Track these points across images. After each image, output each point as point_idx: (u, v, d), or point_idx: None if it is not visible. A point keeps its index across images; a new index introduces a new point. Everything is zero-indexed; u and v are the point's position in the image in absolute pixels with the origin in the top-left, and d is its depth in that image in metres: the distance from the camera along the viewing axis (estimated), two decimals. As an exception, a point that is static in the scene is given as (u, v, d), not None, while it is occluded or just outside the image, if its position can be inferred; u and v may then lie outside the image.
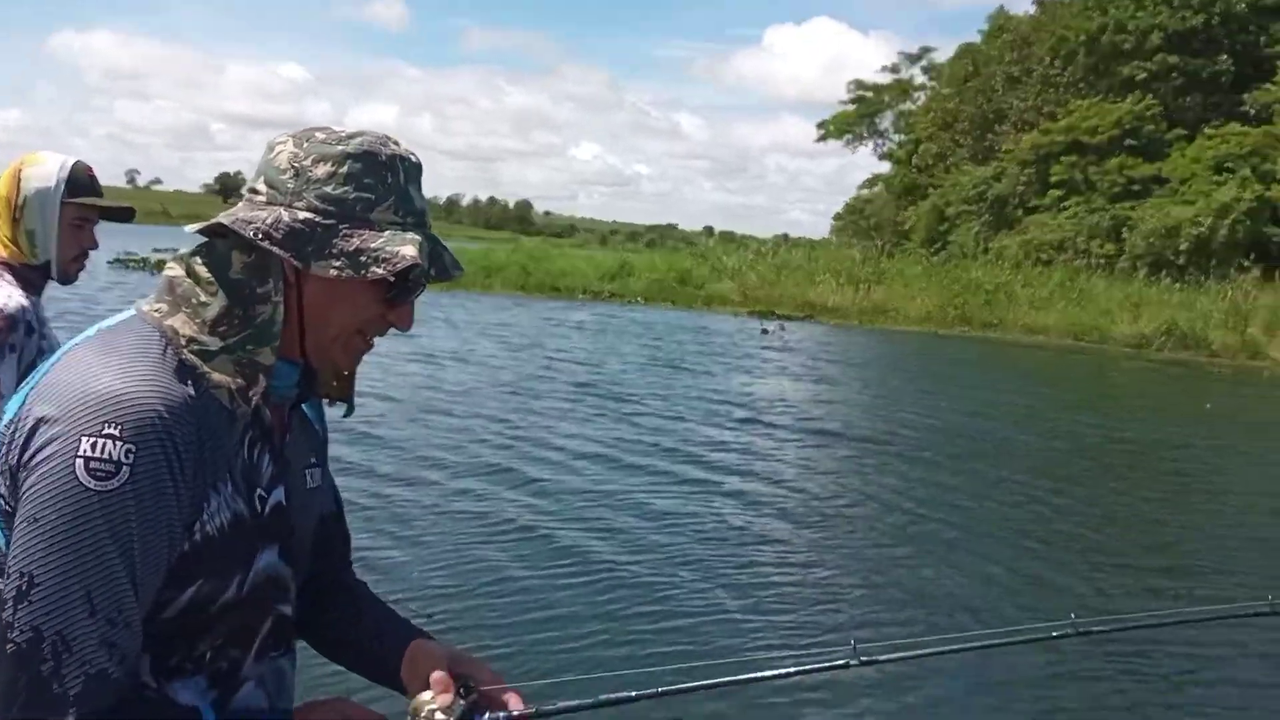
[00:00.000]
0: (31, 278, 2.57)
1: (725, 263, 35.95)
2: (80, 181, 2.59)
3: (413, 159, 1.35)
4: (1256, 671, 5.46)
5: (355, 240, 1.27)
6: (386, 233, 1.29)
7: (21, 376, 2.33)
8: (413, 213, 1.32)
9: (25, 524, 1.13)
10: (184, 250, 1.35)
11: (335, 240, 1.27)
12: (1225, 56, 37.75)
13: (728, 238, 49.91)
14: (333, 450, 1.56)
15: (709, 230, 66.10)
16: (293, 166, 1.29)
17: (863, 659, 1.63)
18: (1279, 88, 34.12)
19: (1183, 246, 32.87)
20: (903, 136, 54.82)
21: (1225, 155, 34.42)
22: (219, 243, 1.31)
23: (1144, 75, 38.45)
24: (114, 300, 17.61)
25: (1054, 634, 1.97)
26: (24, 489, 1.14)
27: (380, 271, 1.26)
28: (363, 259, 1.27)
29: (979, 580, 6.74)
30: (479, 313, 24.53)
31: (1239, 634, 5.66)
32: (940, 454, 11.05)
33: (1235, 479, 11.22)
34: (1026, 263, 35.12)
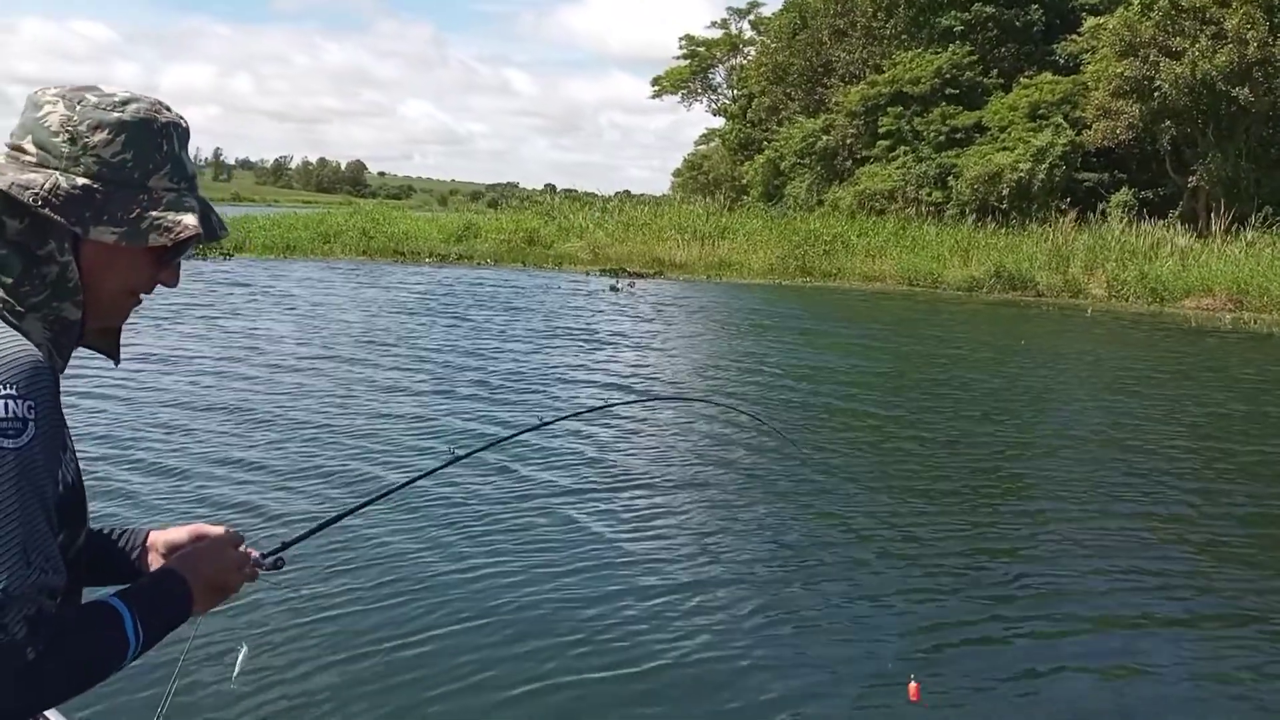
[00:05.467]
0: None
1: (573, 221, 35.93)
2: None
3: (182, 124, 1.40)
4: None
5: (135, 208, 1.32)
6: (165, 199, 1.34)
7: None
8: (185, 178, 1.38)
9: None
10: None
11: (114, 208, 1.31)
12: (1036, 7, 39.62)
13: (570, 195, 49.65)
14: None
15: (550, 188, 65.58)
16: (66, 130, 1.31)
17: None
18: (1084, 39, 36.05)
19: (1004, 192, 34.60)
20: (736, 91, 55.60)
21: (1039, 103, 36.27)
22: None
23: (961, 26, 40.00)
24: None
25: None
26: None
27: (162, 240, 1.33)
28: (143, 227, 1.32)
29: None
30: (326, 276, 23.88)
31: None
32: (787, 395, 11.52)
33: (1025, 405, 12.17)
34: (861, 213, 36.32)
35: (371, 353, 13.77)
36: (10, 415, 1.17)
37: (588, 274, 28.94)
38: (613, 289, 25.09)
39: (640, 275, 28.63)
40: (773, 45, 50.50)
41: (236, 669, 4.25)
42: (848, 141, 41.70)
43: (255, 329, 15.35)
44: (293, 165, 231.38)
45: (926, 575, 6.21)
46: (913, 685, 4.49)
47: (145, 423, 9.02)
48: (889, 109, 39.76)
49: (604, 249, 32.04)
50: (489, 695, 4.42)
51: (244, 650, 4.38)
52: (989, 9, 39.36)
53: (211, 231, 1.39)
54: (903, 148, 39.25)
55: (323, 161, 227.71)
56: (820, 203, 40.19)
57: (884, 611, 5.64)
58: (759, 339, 17.08)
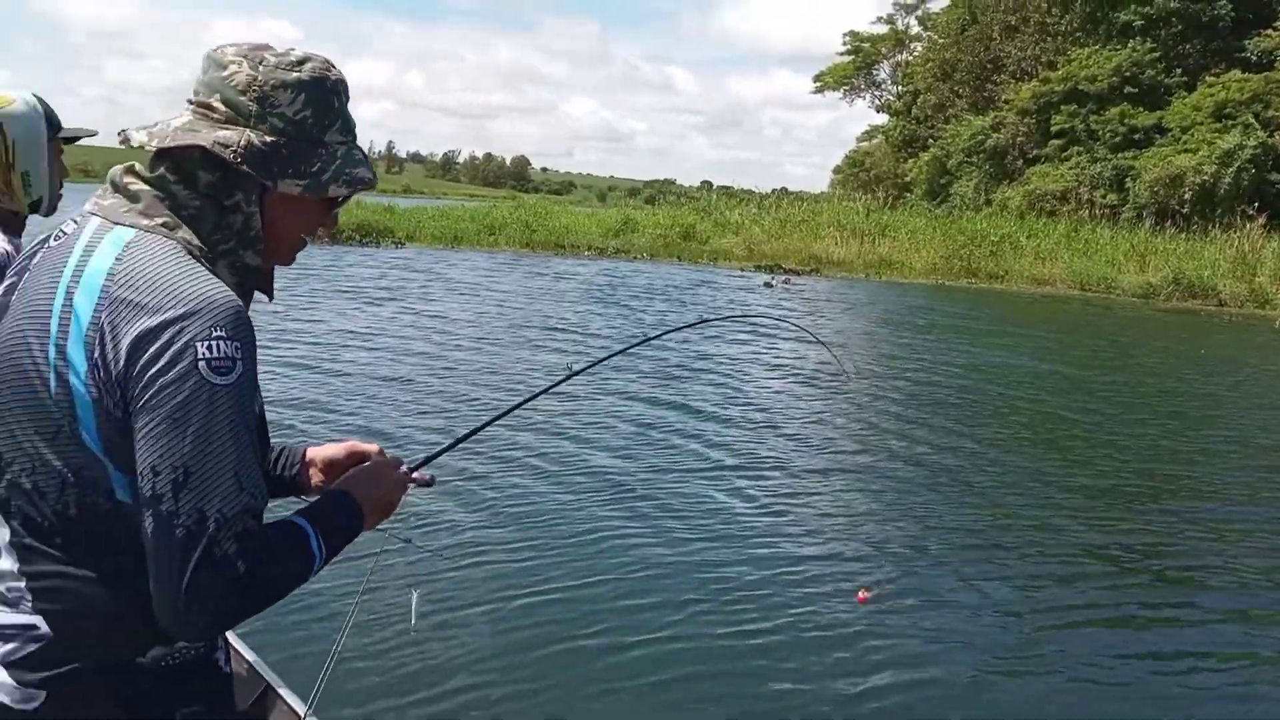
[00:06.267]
0: (11, 221, 2.58)
1: (729, 217, 35.90)
2: (53, 117, 2.63)
3: (345, 79, 1.51)
4: None
5: (316, 162, 1.45)
6: (339, 152, 1.48)
7: None
8: (351, 130, 1.52)
9: (165, 425, 1.27)
10: (132, 166, 1.45)
11: (297, 161, 1.43)
12: (1224, 1, 37.50)
13: (726, 192, 49.58)
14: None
15: (707, 185, 65.63)
16: (254, 90, 1.41)
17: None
18: (1279, 34, 33.92)
19: (1186, 195, 32.90)
20: (900, 88, 54.54)
21: (1226, 102, 34.33)
22: (181, 160, 1.41)
23: (1142, 21, 38.21)
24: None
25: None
26: (150, 396, 1.28)
27: (341, 191, 1.48)
28: (324, 179, 1.45)
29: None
30: (480, 266, 24.64)
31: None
32: (944, 398, 11.28)
33: (1199, 413, 11.57)
34: (1030, 214, 35.13)
35: (534, 330, 14.57)
36: (223, 355, 1.29)
37: (743, 270, 28.89)
38: (767, 285, 24.97)
39: (796, 272, 28.43)
40: (940, 41, 49.32)
41: (413, 615, 4.50)
42: (1018, 140, 40.40)
43: (430, 308, 16.19)
44: (460, 160, 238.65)
45: (1062, 563, 6.20)
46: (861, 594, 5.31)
47: (336, 372, 10.66)
48: (1063, 107, 38.33)
49: (760, 245, 31.89)
50: (633, 639, 4.62)
51: (415, 596, 4.63)
52: (1173, 3, 37.48)
53: (373, 181, 1.53)
54: (1076, 148, 37.79)
55: (489, 156, 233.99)
56: (988, 202, 39.07)
57: (1011, 593, 5.70)
58: (921, 335, 16.82)
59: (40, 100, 2.62)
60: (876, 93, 58.20)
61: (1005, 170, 40.95)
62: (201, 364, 1.28)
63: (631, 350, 2.86)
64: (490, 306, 17.14)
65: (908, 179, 47.16)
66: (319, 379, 10.18)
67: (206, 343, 1.28)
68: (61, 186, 2.70)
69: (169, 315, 1.29)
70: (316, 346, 12.00)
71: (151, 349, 1.28)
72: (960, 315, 21.03)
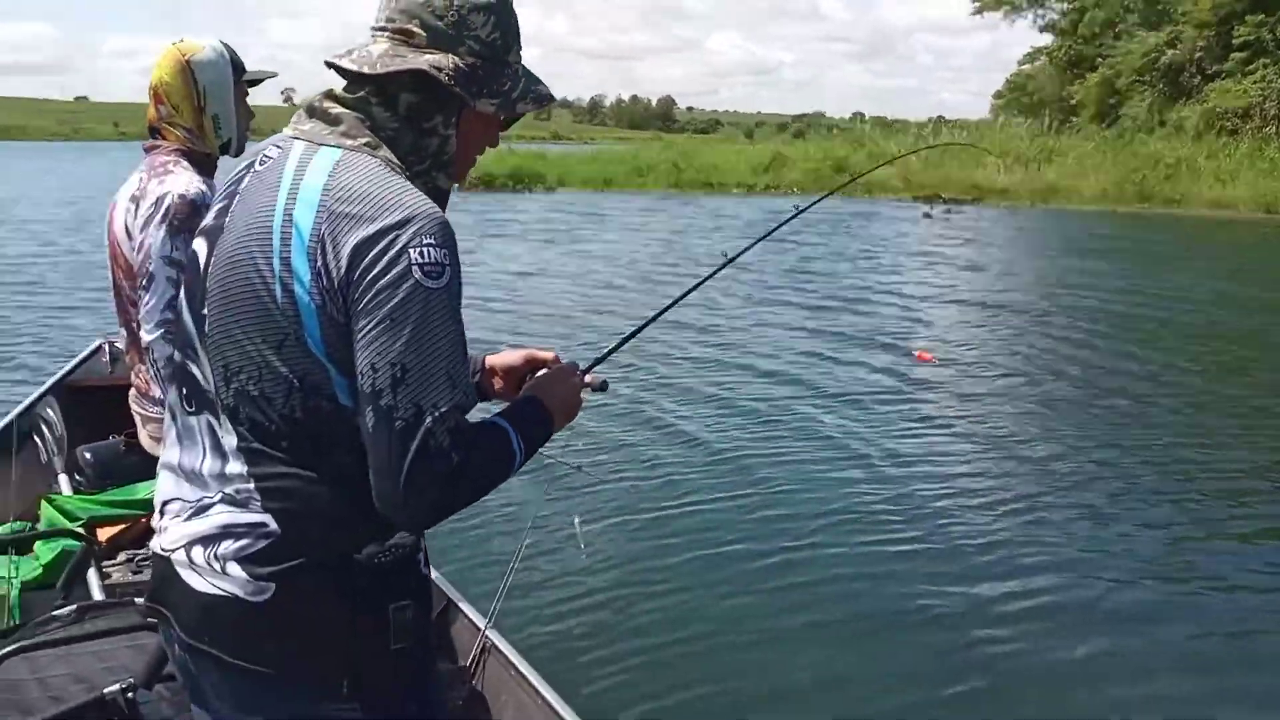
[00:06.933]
0: (204, 163, 2.75)
1: (886, 148, 34.85)
2: (238, 61, 2.79)
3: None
4: None
5: (506, 81, 1.52)
6: (521, 71, 1.55)
7: None
8: (522, 49, 1.58)
9: (384, 325, 1.34)
10: (331, 91, 1.50)
11: (491, 81, 1.50)
12: None
13: (879, 123, 48.14)
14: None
15: (859, 116, 63.79)
16: (451, 14, 1.48)
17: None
18: None
19: (1394, 106, 30.31)
20: (1067, 4, 51.67)
21: None
22: (386, 84, 1.47)
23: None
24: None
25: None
26: (369, 299, 1.34)
27: (528, 108, 1.55)
28: (514, 97, 1.53)
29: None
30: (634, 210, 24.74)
31: None
32: (1119, 321, 10.86)
33: None
34: (1209, 133, 32.97)
35: (691, 263, 14.92)
36: (434, 261, 1.35)
37: (899, 201, 28.16)
38: (925, 215, 24.29)
39: (957, 201, 27.51)
40: (1111, -47, 46.39)
41: (580, 539, 4.66)
42: (1196, 56, 37.80)
43: (589, 246, 16.73)
44: (607, 103, 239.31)
45: (1234, 484, 6.03)
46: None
47: (512, 297, 12.07)
48: (1248, 17, 35.58)
49: (917, 175, 30.93)
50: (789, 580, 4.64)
51: (578, 521, 4.79)
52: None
53: (554, 98, 1.60)
54: (1263, 60, 35.08)
55: (635, 99, 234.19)
56: (1162, 123, 36.78)
57: (1177, 511, 5.60)
58: (1095, 261, 16.25)
59: (226, 46, 2.79)
60: (1040, 11, 55.16)
61: (1181, 88, 38.44)
62: (415, 268, 1.34)
63: (787, 224, 2.87)
64: (645, 242, 17.36)
65: (1074, 102, 44.78)
66: (498, 301, 11.46)
67: (419, 249, 1.34)
68: (249, 128, 2.86)
69: (385, 223, 1.35)
70: (492, 277, 13.30)
71: (370, 255, 1.34)
72: (1134, 241, 20.05)
